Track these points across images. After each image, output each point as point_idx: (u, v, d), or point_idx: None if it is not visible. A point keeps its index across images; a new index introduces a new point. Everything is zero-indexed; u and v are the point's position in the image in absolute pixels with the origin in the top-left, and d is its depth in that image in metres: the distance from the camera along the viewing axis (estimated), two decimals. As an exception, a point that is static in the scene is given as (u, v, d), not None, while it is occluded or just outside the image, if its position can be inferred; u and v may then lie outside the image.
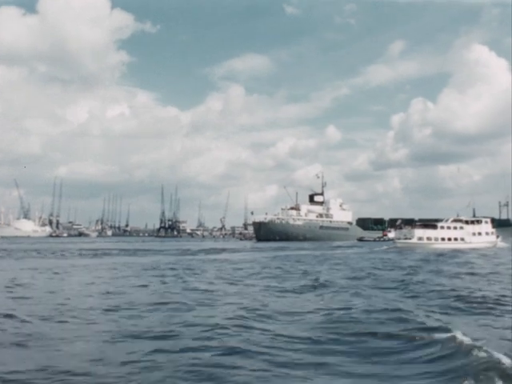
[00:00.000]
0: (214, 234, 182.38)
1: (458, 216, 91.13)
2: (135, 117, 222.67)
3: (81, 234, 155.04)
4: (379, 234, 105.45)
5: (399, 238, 56.12)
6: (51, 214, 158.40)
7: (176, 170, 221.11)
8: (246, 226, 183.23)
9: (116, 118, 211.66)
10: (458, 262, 30.20)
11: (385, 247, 54.61)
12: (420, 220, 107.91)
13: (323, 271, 23.21)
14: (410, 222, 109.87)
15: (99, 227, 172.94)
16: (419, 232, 54.83)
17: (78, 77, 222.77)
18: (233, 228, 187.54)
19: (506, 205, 68.91)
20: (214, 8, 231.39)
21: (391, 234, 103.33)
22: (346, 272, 22.94)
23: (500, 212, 70.65)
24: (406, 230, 56.59)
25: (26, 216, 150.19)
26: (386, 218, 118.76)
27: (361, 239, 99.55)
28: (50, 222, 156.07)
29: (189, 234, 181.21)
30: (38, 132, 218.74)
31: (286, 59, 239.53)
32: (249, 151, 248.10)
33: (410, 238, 54.71)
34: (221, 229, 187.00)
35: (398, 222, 61.45)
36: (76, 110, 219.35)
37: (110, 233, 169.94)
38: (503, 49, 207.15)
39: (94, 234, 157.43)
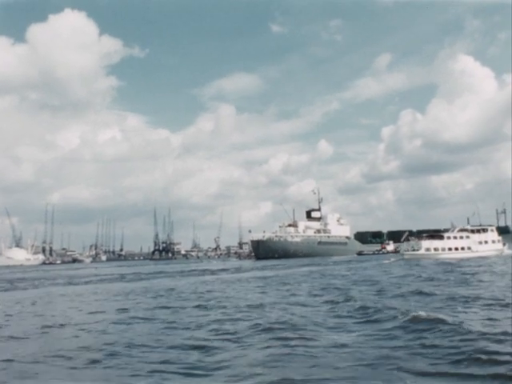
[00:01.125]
0: (209, 254, 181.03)
1: (452, 225, 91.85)
2: (126, 140, 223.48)
3: (75, 260, 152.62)
4: (378, 247, 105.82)
5: (407, 250, 56.42)
6: (44, 242, 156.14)
7: (169, 192, 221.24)
8: (241, 244, 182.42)
9: (107, 142, 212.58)
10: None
11: (392, 260, 54.74)
12: (418, 231, 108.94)
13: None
14: (410, 234, 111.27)
15: (93, 252, 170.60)
16: (426, 243, 55.24)
17: (68, 103, 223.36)
18: (228, 247, 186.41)
19: (504, 212, 69.74)
20: (200, 30, 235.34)
21: (390, 247, 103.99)
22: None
23: (498, 219, 71.47)
24: (413, 242, 56.97)
25: (18, 244, 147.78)
26: (383, 230, 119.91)
27: (360, 253, 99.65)
28: (43, 250, 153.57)
29: (183, 255, 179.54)
30: (29, 159, 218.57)
31: (274, 76, 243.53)
32: (241, 170, 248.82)
33: (417, 250, 55.08)
34: (215, 249, 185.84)
35: (405, 235, 61.60)
36: (67, 135, 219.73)
37: (104, 258, 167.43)
38: (488, 58, 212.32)
39: (88, 260, 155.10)
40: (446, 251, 54.45)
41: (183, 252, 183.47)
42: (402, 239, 62.09)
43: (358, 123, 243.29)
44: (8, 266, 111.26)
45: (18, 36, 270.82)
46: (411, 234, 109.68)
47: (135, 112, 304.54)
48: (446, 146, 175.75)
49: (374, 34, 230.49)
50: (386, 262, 52.32)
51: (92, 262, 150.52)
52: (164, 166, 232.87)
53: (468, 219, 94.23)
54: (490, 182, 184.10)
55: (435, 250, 54.64)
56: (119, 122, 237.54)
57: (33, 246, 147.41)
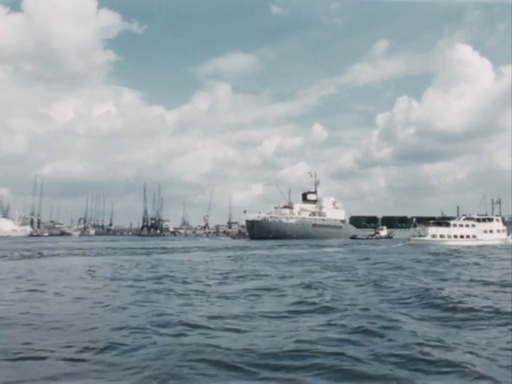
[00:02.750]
0: (198, 232, 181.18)
1: (442, 213, 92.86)
2: (121, 116, 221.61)
3: (63, 234, 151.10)
4: (371, 231, 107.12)
5: (414, 236, 57.32)
6: (32, 213, 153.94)
7: (162, 169, 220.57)
8: (230, 224, 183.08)
9: (102, 117, 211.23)
10: None
11: (400, 244, 55.78)
12: (413, 218, 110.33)
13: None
14: (404, 220, 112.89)
15: (81, 226, 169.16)
16: (432, 230, 56.25)
17: (63, 76, 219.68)
18: (217, 226, 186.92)
19: (498, 202, 71.08)
20: (200, 7, 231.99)
21: (383, 232, 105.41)
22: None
23: (493, 209, 72.82)
24: (420, 228, 57.84)
25: (6, 215, 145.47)
26: (378, 215, 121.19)
27: (354, 237, 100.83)
28: (31, 222, 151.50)
29: (172, 232, 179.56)
30: (23, 131, 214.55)
31: (272, 58, 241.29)
32: (235, 150, 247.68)
33: (424, 236, 56.00)
34: (204, 227, 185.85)
35: (414, 221, 62.38)
36: (61, 108, 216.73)
37: (92, 232, 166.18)
38: (486, 49, 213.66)
39: (77, 233, 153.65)
40: (452, 238, 55.54)
41: (171, 229, 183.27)
42: (412, 225, 62.67)
43: (354, 108, 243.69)
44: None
45: (14, 5, 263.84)
46: (406, 220, 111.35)
47: (131, 88, 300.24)
48: (440, 134, 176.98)
49: (373, 19, 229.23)
50: (394, 246, 53.28)
51: (80, 235, 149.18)
52: (158, 143, 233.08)
53: (458, 208, 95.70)
54: (481, 172, 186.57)
55: (441, 236, 55.67)
56: (114, 97, 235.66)
57: (20, 217, 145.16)
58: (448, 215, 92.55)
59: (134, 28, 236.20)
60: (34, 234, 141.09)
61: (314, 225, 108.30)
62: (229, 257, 34.44)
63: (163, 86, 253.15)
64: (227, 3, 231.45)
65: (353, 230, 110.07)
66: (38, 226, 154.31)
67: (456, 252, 39.28)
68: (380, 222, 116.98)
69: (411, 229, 62.01)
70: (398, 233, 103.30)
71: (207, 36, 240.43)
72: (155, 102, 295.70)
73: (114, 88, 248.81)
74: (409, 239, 57.53)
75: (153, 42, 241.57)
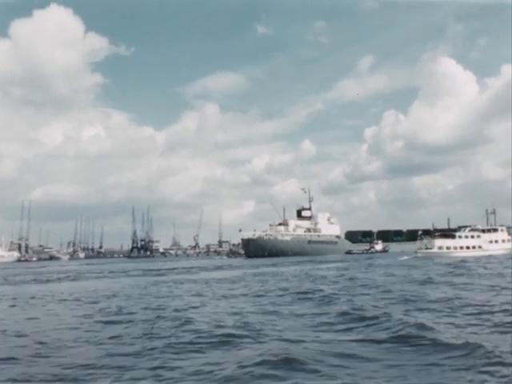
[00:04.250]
0: (188, 252, 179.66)
1: (433, 225, 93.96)
2: (110, 137, 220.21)
3: (52, 258, 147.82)
4: (367, 246, 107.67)
5: (420, 248, 57.82)
6: (20, 238, 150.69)
7: (152, 190, 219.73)
8: (220, 243, 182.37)
9: (91, 139, 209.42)
10: None
11: (405, 257, 56.04)
12: (408, 231, 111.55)
13: None
14: (400, 233, 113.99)
15: (71, 250, 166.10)
16: (439, 242, 56.92)
17: (52, 99, 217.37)
18: (207, 246, 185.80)
19: (493, 213, 72.03)
20: (186, 29, 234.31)
21: (378, 246, 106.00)
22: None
23: (487, 220, 73.66)
24: (426, 241, 58.44)
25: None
26: (373, 229, 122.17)
27: (349, 252, 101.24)
28: (19, 247, 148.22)
29: (162, 253, 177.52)
30: (11, 155, 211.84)
31: (259, 76, 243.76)
32: (225, 168, 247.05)
33: (430, 248, 56.57)
34: (194, 247, 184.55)
35: (419, 233, 63.01)
36: (50, 132, 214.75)
37: (82, 255, 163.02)
38: (469, 62, 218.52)
39: (66, 257, 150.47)
40: (458, 249, 56.26)
41: (162, 250, 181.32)
42: (418, 238, 63.29)
43: (342, 124, 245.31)
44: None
45: (1, 31, 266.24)
46: (401, 233, 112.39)
47: (119, 109, 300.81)
48: (428, 147, 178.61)
49: (357, 35, 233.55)
50: (405, 258, 53.58)
51: (70, 259, 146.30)
52: (148, 164, 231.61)
53: (448, 219, 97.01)
54: (470, 183, 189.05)
55: (447, 248, 56.38)
56: (103, 119, 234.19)
57: (8, 242, 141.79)
58: (439, 227, 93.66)
59: (122, 51, 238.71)
60: (22, 259, 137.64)
61: (309, 241, 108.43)
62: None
63: (152, 107, 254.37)
64: (213, 24, 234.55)
65: (348, 245, 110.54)
66: (26, 251, 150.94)
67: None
68: (375, 236, 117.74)
69: (417, 241, 62.63)
70: (394, 246, 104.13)
71: (194, 56, 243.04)
72: (144, 123, 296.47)
73: (103, 110, 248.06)
74: (416, 252, 57.99)
75: (140, 63, 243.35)
